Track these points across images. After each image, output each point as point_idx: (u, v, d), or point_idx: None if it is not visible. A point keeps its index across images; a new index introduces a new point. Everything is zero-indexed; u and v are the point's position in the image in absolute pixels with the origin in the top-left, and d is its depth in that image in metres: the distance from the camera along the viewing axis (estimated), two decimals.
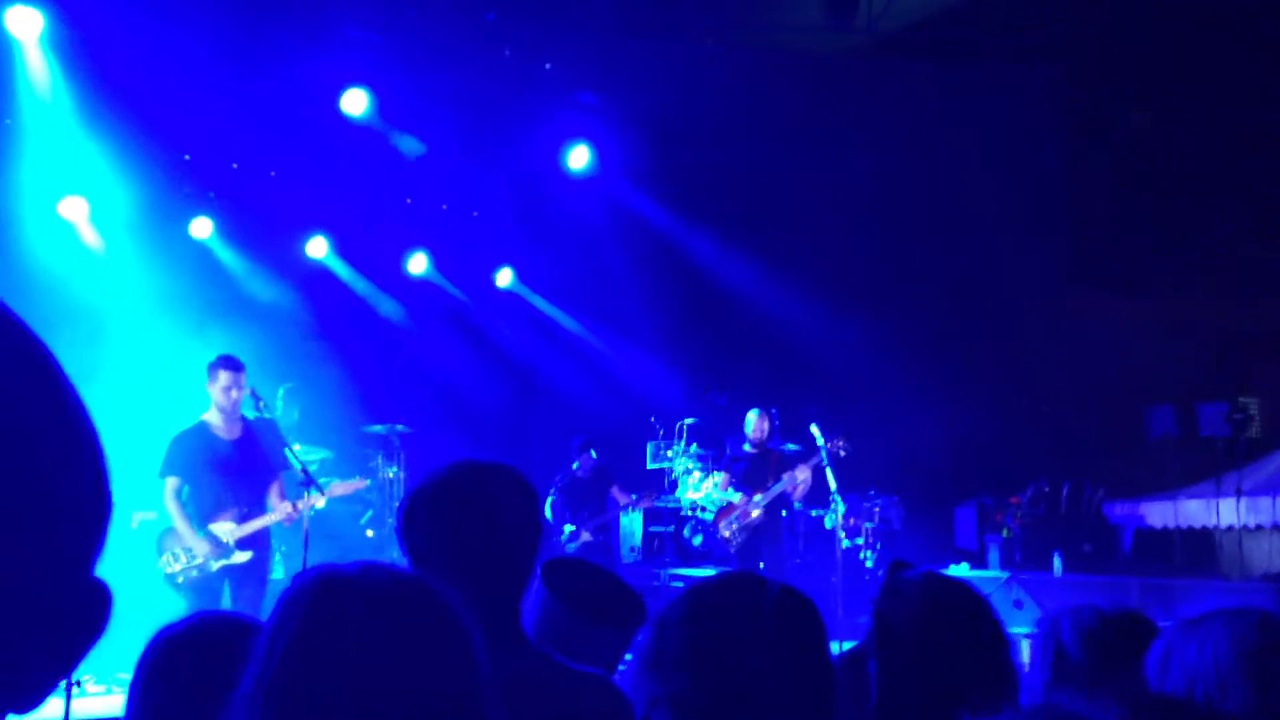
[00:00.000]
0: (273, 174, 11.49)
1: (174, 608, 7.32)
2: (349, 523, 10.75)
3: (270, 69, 10.43)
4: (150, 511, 8.54)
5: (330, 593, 1.42)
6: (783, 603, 1.90)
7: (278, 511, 7.85)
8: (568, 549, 10.58)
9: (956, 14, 12.25)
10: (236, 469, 7.81)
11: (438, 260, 13.21)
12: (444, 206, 12.83)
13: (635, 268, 13.74)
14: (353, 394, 11.94)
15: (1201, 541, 12.74)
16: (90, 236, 10.72)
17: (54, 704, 6.75)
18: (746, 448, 10.62)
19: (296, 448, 8.81)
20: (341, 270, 12.66)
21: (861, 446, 10.57)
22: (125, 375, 9.81)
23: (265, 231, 11.84)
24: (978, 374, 13.80)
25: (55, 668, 0.85)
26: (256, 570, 7.77)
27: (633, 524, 12.82)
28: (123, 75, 9.94)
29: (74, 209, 10.56)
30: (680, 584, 9.35)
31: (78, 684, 7.28)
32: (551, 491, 10.85)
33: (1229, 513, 12.13)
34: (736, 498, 10.44)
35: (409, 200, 12.56)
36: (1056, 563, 12.05)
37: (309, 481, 7.92)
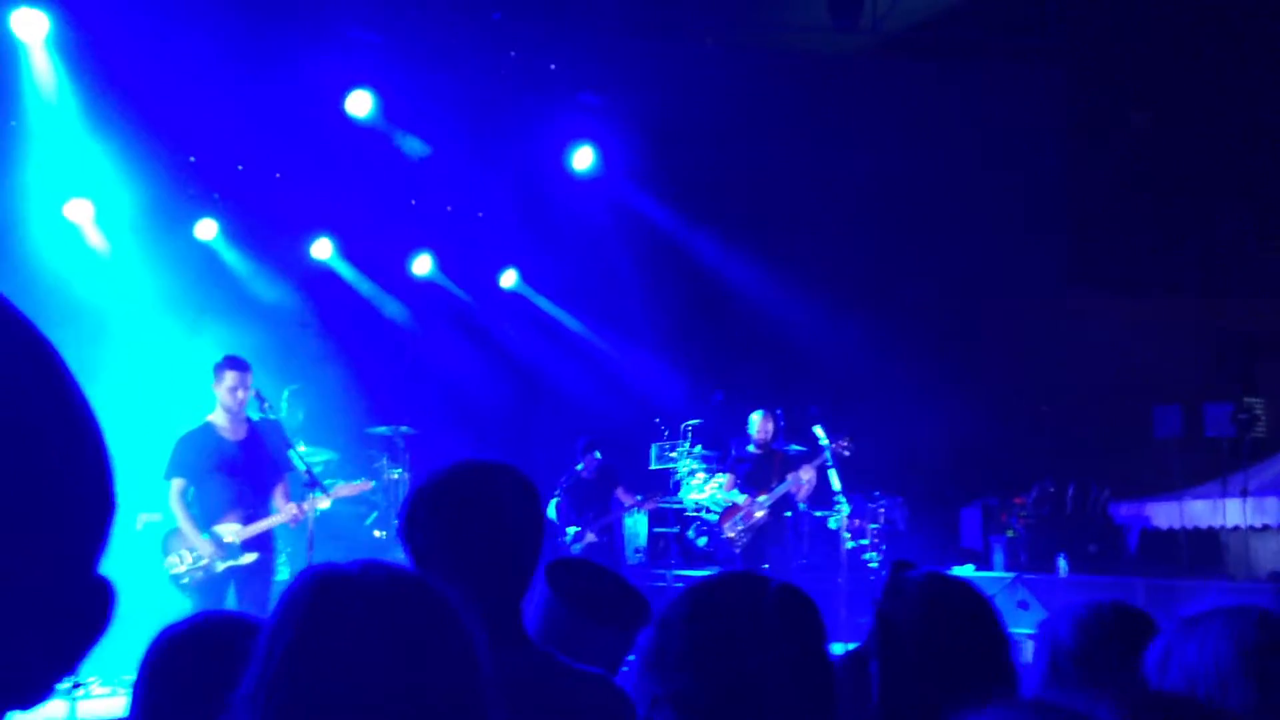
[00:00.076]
0: (278, 175, 11.50)
1: (179, 609, 7.32)
2: (354, 524, 10.76)
3: (275, 71, 10.44)
4: (155, 513, 8.55)
5: (330, 591, 1.42)
6: (782, 601, 1.90)
7: (283, 513, 7.85)
8: (572, 550, 10.58)
9: (958, 14, 12.27)
10: (242, 470, 7.81)
11: (442, 261, 13.21)
12: (448, 208, 12.83)
13: (639, 268, 13.75)
14: (358, 395, 11.95)
15: (1207, 542, 12.72)
16: (95, 238, 10.73)
17: (59, 705, 6.76)
18: (751, 449, 10.62)
19: (301, 449, 8.81)
20: (346, 271, 12.67)
21: (865, 447, 10.57)
22: (130, 377, 9.82)
23: (270, 233, 11.85)
24: (979, 374, 13.79)
25: (58, 665, 0.85)
26: (261, 572, 7.77)
27: (637, 525, 12.82)
28: (128, 77, 9.95)
29: (79, 211, 10.56)
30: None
31: (83, 685, 7.30)
32: (556, 493, 10.85)
33: (1235, 513, 12.11)
34: (741, 499, 10.44)
35: (413, 202, 12.57)
36: (1061, 563, 12.04)
37: (313, 483, 7.93)
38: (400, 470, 10.94)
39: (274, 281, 12.01)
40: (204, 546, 7.59)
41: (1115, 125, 14.18)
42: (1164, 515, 12.97)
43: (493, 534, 2.35)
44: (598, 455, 10.96)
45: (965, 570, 11.98)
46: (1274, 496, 11.91)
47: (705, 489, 12.21)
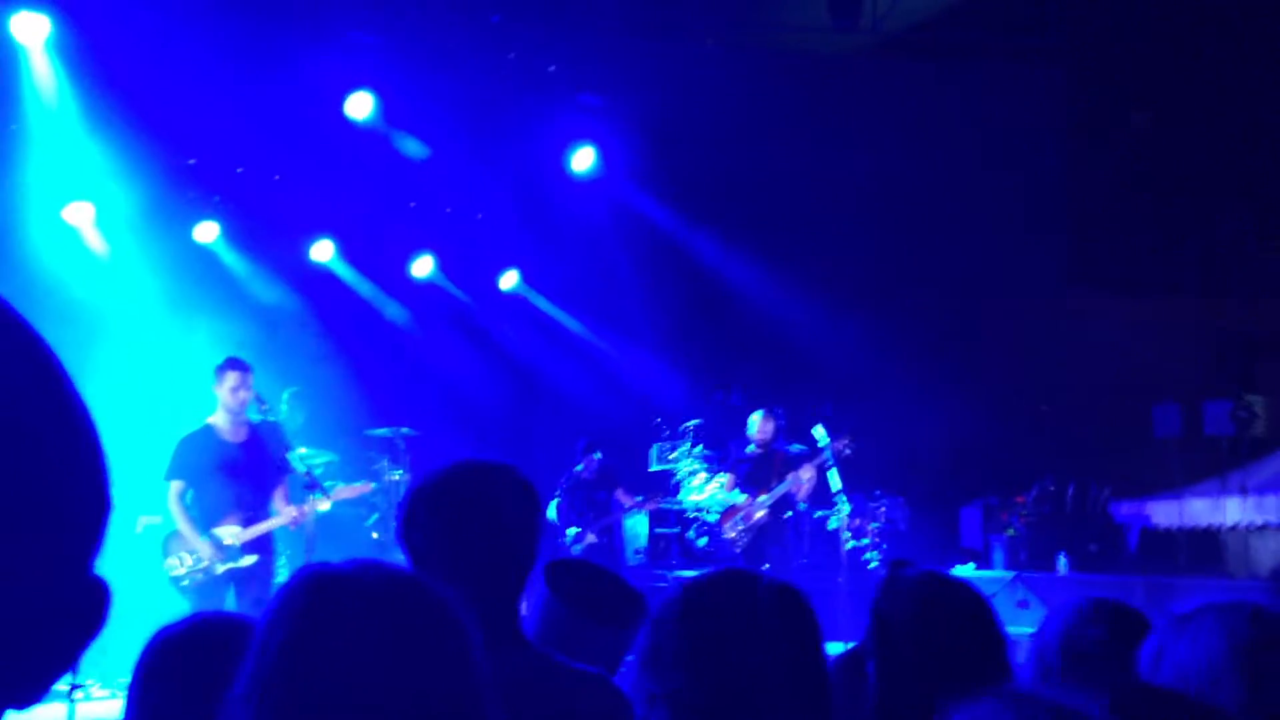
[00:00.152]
0: (277, 178, 11.50)
1: (179, 611, 7.32)
2: (354, 526, 10.75)
3: (275, 73, 10.43)
4: (155, 516, 8.56)
5: (324, 590, 1.41)
6: (775, 598, 1.91)
7: (283, 515, 7.86)
8: (573, 551, 10.58)
9: (958, 14, 12.28)
10: (242, 472, 7.81)
11: (443, 263, 13.21)
12: (448, 209, 12.83)
13: (639, 269, 13.74)
14: (358, 397, 11.95)
15: (1207, 540, 12.71)
16: (95, 241, 10.73)
17: (58, 709, 6.77)
18: (751, 449, 10.63)
19: (301, 451, 8.82)
20: (346, 273, 12.67)
21: (865, 447, 10.57)
22: (130, 379, 9.83)
23: (270, 235, 11.85)
24: (979, 374, 13.79)
25: (54, 664, 0.86)
26: (261, 574, 7.78)
27: (638, 526, 12.82)
28: (128, 80, 9.95)
29: (79, 214, 10.57)
30: None
31: (82, 688, 7.30)
32: (556, 493, 10.85)
33: (1235, 511, 12.10)
34: (741, 499, 10.45)
35: (413, 203, 12.57)
36: (1061, 562, 12.05)
37: (313, 485, 7.94)
38: (401, 472, 10.93)
39: (274, 283, 12.02)
40: (204, 549, 7.60)
41: (1115, 125, 14.19)
42: (1164, 514, 12.96)
43: (491, 534, 2.35)
44: (598, 456, 10.96)
45: (966, 569, 12.00)
46: (1273, 494, 11.89)
47: (705, 489, 12.21)
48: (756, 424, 10.54)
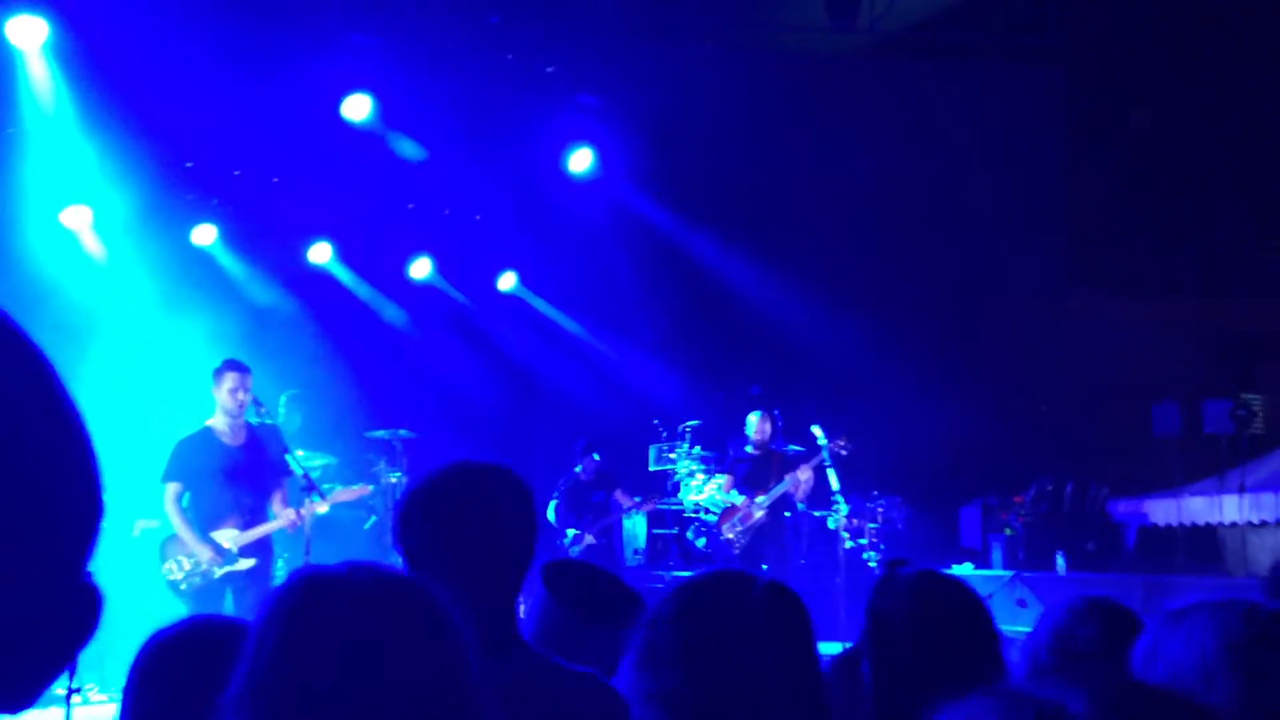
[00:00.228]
0: (275, 180, 11.49)
1: (177, 615, 7.31)
2: (353, 529, 10.75)
3: (272, 75, 10.42)
4: (153, 520, 8.55)
5: (317, 593, 1.42)
6: (769, 598, 1.92)
7: (281, 518, 7.86)
8: (571, 552, 10.58)
9: (957, 14, 12.28)
10: (241, 475, 7.81)
11: (441, 265, 13.21)
12: (446, 211, 12.83)
13: (638, 270, 13.75)
14: (356, 400, 11.95)
15: (1206, 539, 12.72)
16: (93, 245, 10.73)
17: (55, 713, 6.76)
18: (749, 449, 10.63)
19: (300, 454, 8.82)
20: (344, 276, 12.67)
21: (864, 447, 10.57)
22: (128, 382, 9.83)
23: (268, 237, 11.85)
24: (978, 374, 13.79)
25: (47, 668, 0.86)
26: (259, 577, 7.77)
27: (636, 527, 12.82)
28: (125, 83, 9.94)
29: (77, 217, 10.56)
30: None
31: (80, 692, 7.30)
32: (555, 495, 10.85)
33: (1233, 509, 12.10)
34: (739, 499, 10.45)
35: (411, 205, 12.56)
36: (1060, 561, 12.05)
37: (311, 487, 7.93)
38: (399, 474, 10.93)
39: (272, 285, 12.01)
40: (202, 551, 7.59)
41: (1115, 125, 14.18)
42: (1162, 512, 12.96)
43: (487, 535, 2.35)
44: (596, 457, 10.96)
45: (964, 569, 12.00)
46: (1272, 493, 11.89)
47: (704, 490, 12.22)
48: (754, 424, 10.55)
